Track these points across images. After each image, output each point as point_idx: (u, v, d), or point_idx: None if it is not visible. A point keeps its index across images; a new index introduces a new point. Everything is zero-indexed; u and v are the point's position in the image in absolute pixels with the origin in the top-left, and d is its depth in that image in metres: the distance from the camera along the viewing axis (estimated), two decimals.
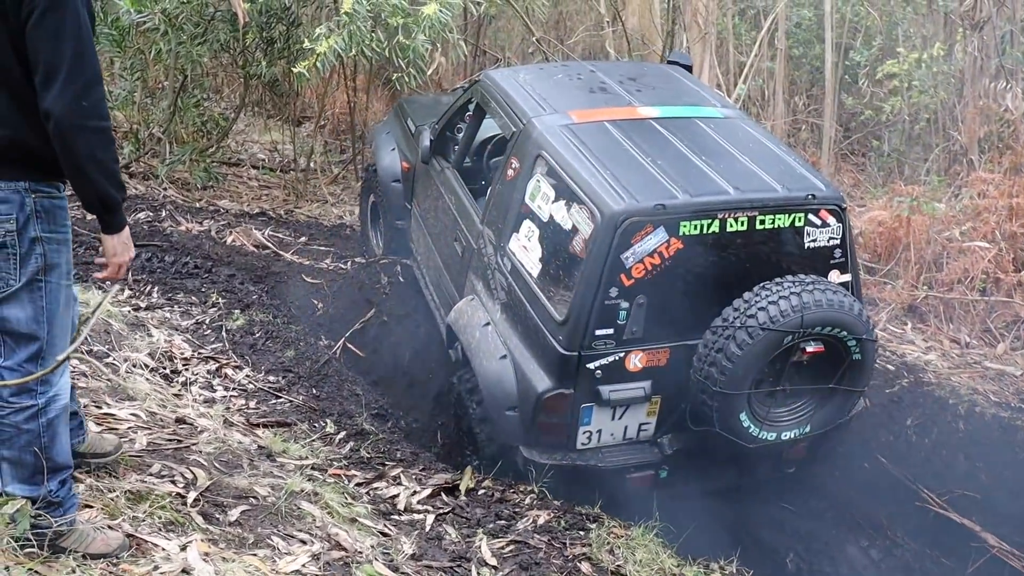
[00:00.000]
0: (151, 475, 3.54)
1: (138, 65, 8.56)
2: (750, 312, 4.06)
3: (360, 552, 3.44)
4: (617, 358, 4.27)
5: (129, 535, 3.08)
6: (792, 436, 4.43)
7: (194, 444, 3.92)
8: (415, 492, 4.28)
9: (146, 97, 9.00)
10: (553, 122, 4.83)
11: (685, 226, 4.14)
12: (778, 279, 4.15)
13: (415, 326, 6.39)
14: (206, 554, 3.07)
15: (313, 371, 5.66)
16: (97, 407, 4.01)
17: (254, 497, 3.60)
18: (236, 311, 6.06)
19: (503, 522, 4.08)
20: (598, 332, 4.19)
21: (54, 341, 2.83)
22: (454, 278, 5.52)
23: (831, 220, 4.37)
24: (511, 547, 3.81)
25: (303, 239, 7.83)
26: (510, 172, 4.96)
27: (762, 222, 4.25)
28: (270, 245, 7.54)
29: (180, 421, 4.19)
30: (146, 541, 3.08)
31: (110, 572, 2.86)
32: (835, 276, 4.45)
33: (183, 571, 2.94)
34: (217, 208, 8.36)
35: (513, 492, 4.42)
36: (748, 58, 10.38)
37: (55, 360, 2.76)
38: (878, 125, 10.97)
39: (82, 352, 4.48)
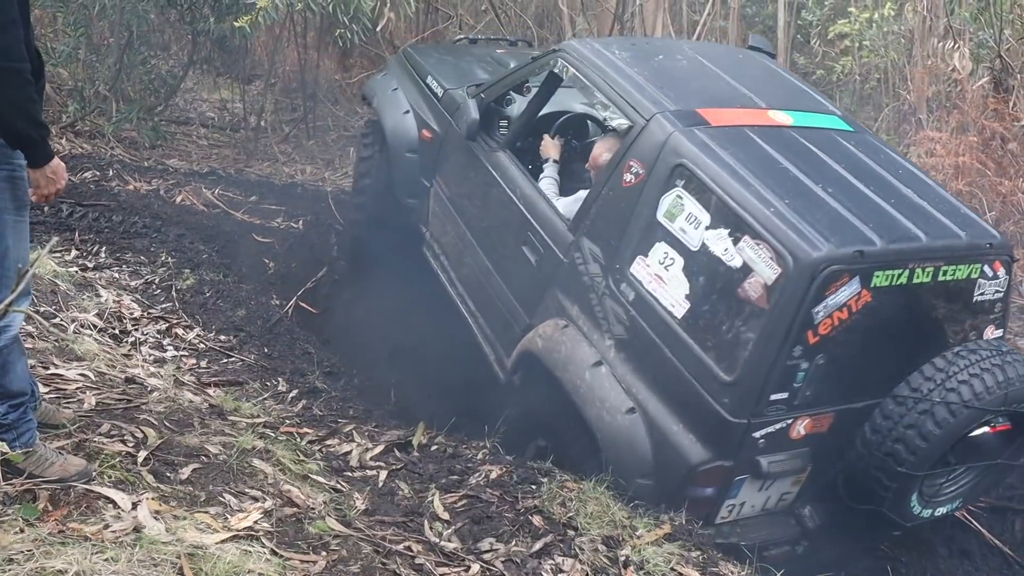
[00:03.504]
0: (100, 435, 3.51)
1: (82, 20, 8.39)
2: (950, 385, 3.57)
3: (313, 508, 3.45)
4: (784, 425, 3.70)
5: (80, 495, 3.07)
6: (945, 512, 4.02)
7: (144, 404, 3.89)
8: (368, 449, 4.29)
9: (91, 54, 8.83)
10: (687, 123, 4.08)
11: (878, 277, 3.57)
12: (971, 345, 3.71)
13: (367, 285, 6.38)
14: (157, 512, 3.06)
15: (264, 330, 5.64)
16: (44, 368, 3.96)
17: (205, 455, 3.59)
18: (186, 270, 6.00)
19: (455, 477, 4.11)
20: (773, 397, 3.60)
21: (7, 273, 2.91)
22: (519, 290, 4.73)
23: (1001, 272, 3.91)
24: (463, 501, 3.84)
25: (253, 198, 7.75)
26: (628, 177, 4.15)
27: (944, 273, 3.73)
28: (220, 204, 7.46)
29: (130, 381, 4.16)
30: (96, 500, 3.07)
31: (59, 531, 2.84)
32: (990, 332, 4.02)
33: (134, 529, 2.93)
34: (166, 167, 8.25)
35: (465, 447, 4.45)
36: (701, 16, 10.38)
37: (7, 291, 2.86)
38: (830, 84, 11.05)
39: (28, 312, 4.42)
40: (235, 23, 7.09)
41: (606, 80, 4.46)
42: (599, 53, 4.66)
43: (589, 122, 5.65)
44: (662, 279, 3.90)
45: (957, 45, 8.66)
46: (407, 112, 6.00)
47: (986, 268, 3.84)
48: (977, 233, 3.87)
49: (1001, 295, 3.96)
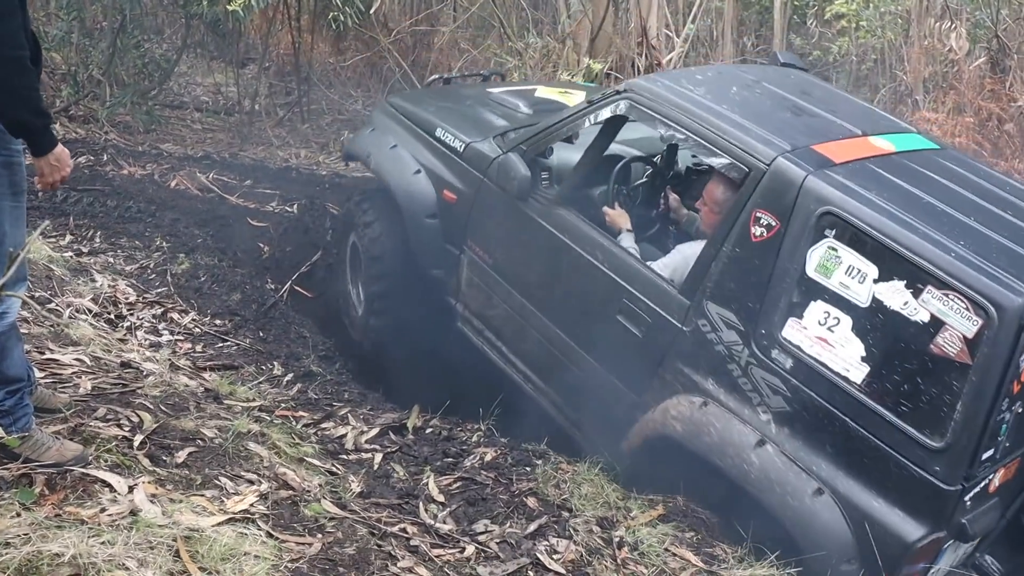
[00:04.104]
0: (96, 419, 3.52)
1: (74, 4, 8.36)
2: None
3: (308, 491, 3.47)
4: (987, 481, 3.44)
5: (76, 479, 3.08)
6: None
7: (140, 388, 3.89)
8: (363, 432, 4.30)
9: (84, 38, 8.80)
10: (815, 165, 3.70)
11: None
12: None
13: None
14: (153, 495, 3.08)
15: (260, 314, 5.65)
16: (40, 353, 3.96)
17: (201, 439, 3.60)
18: (181, 255, 6.00)
19: (450, 459, 4.13)
20: (984, 456, 3.29)
21: (4, 260, 2.88)
22: (619, 366, 4.22)
23: None
24: (458, 484, 3.85)
25: (248, 182, 7.72)
26: (758, 231, 3.74)
27: None
28: (214, 188, 7.45)
29: (125, 365, 4.16)
30: (93, 483, 3.08)
31: (56, 514, 2.86)
32: None
33: (130, 512, 2.94)
34: (160, 151, 8.23)
35: (460, 430, 4.46)
36: None
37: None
38: (826, 66, 11.03)
39: (23, 298, 4.42)
40: (228, 6, 7.08)
41: (698, 121, 4.00)
42: (674, 90, 4.20)
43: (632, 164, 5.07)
44: (828, 342, 3.50)
45: (954, 25, 8.65)
46: (418, 172, 5.27)
47: None
48: None
49: None
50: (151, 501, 3.03)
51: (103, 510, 2.93)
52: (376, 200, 5.53)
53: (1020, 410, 3.36)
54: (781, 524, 3.53)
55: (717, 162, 3.93)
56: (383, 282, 5.43)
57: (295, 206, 7.29)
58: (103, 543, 2.70)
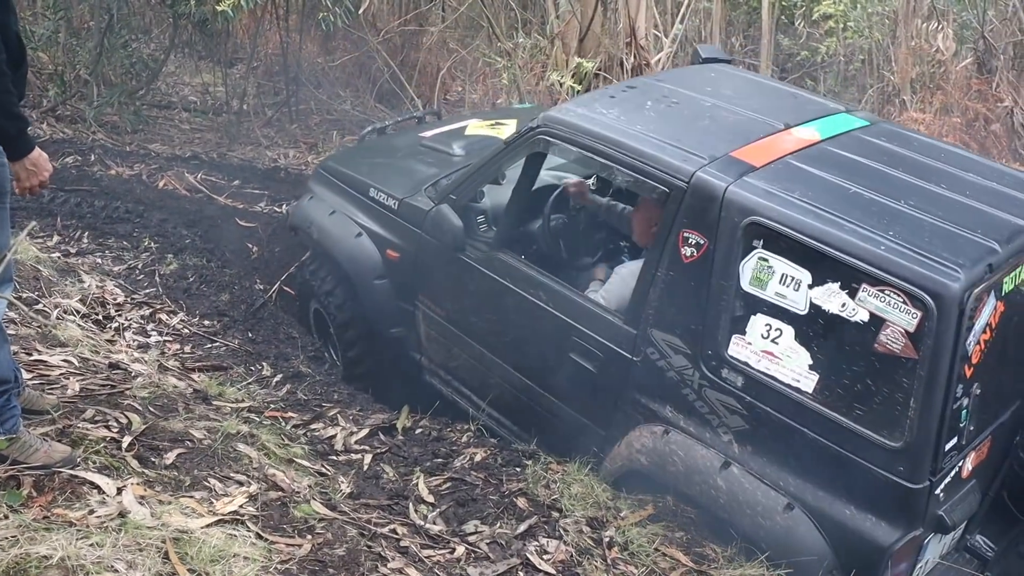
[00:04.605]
0: (85, 420, 3.50)
1: (61, 3, 8.33)
2: None
3: (298, 492, 3.46)
4: (957, 469, 3.38)
5: (64, 480, 3.07)
6: None
7: (128, 389, 3.88)
8: (352, 432, 4.30)
9: (71, 37, 8.77)
10: (734, 173, 3.62)
11: (1007, 283, 3.31)
12: None
13: None
14: (142, 497, 3.07)
15: (248, 314, 5.64)
16: (27, 354, 3.95)
17: (190, 440, 3.59)
18: (169, 256, 5.99)
19: (440, 460, 4.13)
20: (947, 447, 3.24)
21: None
22: (581, 403, 4.19)
23: None
24: (448, 484, 3.86)
25: (236, 182, 7.70)
26: (688, 251, 3.66)
27: None
28: (203, 189, 7.43)
29: (114, 367, 4.15)
30: (81, 485, 3.07)
31: (44, 516, 2.85)
32: None
33: (119, 514, 2.93)
34: (148, 152, 8.20)
35: (450, 431, 4.47)
36: None
37: None
38: (814, 66, 11.07)
39: (10, 299, 4.41)
40: (217, 6, 7.05)
41: (614, 147, 3.93)
42: (587, 117, 4.12)
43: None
44: (774, 355, 3.44)
45: (941, 26, 8.70)
46: (359, 235, 5.18)
47: None
48: None
49: None
50: (140, 503, 3.03)
51: (91, 512, 2.92)
52: (329, 264, 5.40)
53: (979, 391, 3.32)
54: (758, 546, 3.49)
55: (637, 187, 3.90)
56: (358, 347, 5.35)
57: (284, 206, 7.28)
58: (91, 545, 2.69)
